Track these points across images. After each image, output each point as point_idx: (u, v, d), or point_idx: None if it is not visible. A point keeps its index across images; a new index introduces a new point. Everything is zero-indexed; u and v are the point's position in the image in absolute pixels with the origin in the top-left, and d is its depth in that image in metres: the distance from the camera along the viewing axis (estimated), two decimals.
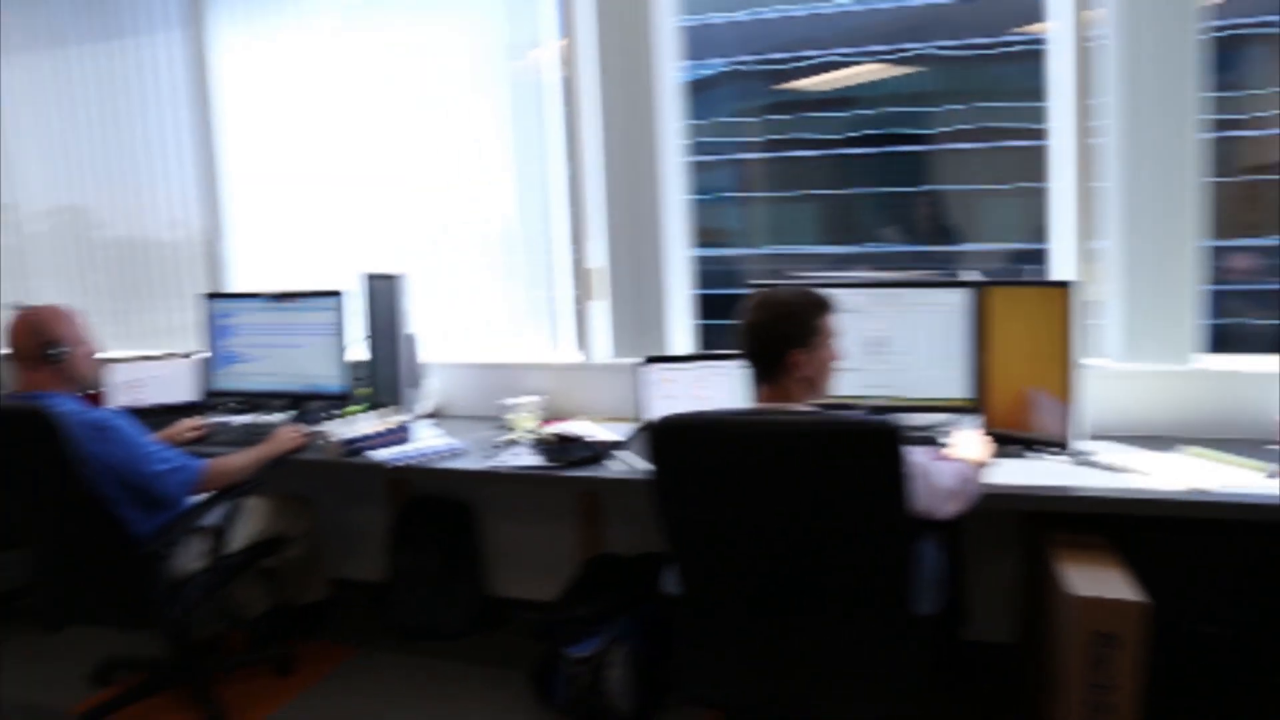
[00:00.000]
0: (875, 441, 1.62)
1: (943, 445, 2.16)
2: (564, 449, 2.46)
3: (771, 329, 1.85)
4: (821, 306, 1.89)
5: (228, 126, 3.47)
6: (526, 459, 2.46)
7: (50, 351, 2.31)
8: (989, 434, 2.20)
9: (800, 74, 2.94)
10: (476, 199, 3.16)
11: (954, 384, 2.42)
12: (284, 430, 2.72)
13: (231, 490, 2.50)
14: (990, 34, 2.68)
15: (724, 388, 2.57)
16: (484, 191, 3.15)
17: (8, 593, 3.25)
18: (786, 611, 1.77)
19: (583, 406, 2.92)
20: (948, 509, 1.84)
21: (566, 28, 2.87)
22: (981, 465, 2.02)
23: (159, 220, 3.65)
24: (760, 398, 1.89)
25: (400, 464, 2.49)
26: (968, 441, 2.12)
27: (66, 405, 2.26)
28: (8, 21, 3.75)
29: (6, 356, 2.37)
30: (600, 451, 2.43)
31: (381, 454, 2.54)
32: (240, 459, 2.53)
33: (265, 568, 2.82)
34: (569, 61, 2.88)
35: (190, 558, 2.44)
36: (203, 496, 2.49)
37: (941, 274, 2.63)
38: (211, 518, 2.46)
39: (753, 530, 1.74)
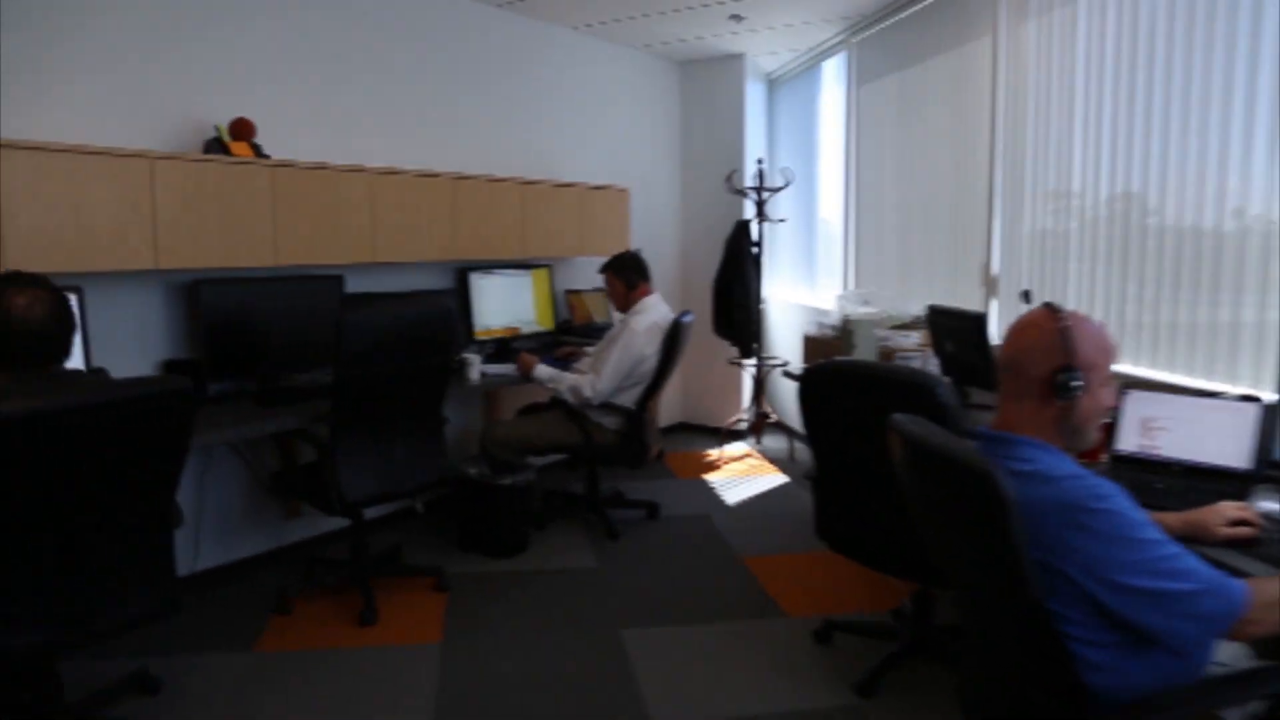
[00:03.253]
0: None
1: None
2: None
3: None
4: None
5: None
6: None
7: (1069, 383, 1.52)
8: None
9: None
10: None
11: None
12: None
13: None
14: None
15: None
16: None
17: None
18: None
19: None
20: None
21: None
22: None
23: (1221, 205, 2.78)
24: None
25: None
26: None
27: (1051, 466, 1.53)
28: None
29: (1001, 368, 1.67)
30: None
31: None
32: None
33: None
34: None
35: None
36: (1239, 661, 1.66)
37: None
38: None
39: None
